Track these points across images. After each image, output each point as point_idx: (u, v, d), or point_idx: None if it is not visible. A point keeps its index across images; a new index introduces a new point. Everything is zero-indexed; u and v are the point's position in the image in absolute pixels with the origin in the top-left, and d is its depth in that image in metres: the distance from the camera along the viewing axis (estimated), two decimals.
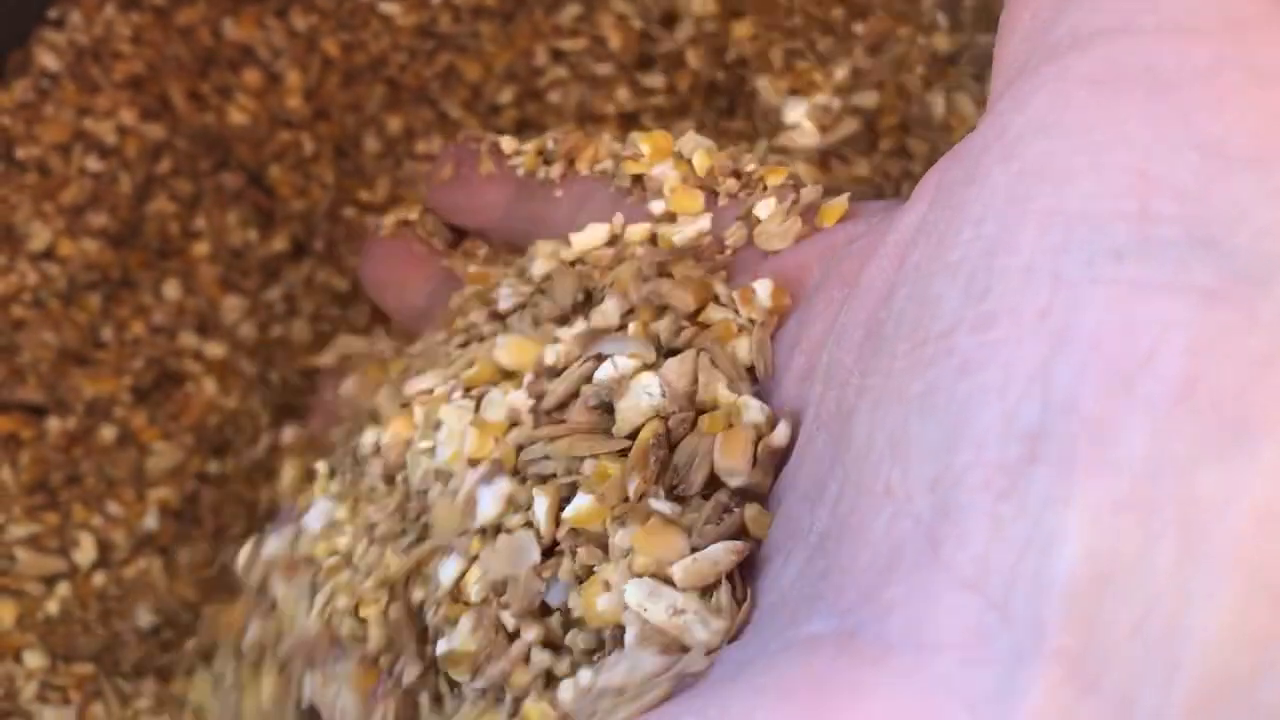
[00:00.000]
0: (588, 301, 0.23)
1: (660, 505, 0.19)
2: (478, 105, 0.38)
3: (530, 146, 0.28)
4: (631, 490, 0.19)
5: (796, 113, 0.38)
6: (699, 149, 0.25)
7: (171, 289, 0.36)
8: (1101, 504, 0.13)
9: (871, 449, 0.16)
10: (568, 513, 0.19)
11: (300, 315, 0.36)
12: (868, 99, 0.38)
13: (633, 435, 0.20)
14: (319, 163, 0.38)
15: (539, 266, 0.25)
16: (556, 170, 0.27)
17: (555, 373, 0.21)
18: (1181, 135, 0.15)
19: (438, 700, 0.20)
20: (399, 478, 0.23)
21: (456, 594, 0.20)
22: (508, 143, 0.29)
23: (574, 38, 0.39)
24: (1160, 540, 0.13)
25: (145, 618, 0.33)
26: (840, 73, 0.38)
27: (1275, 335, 0.14)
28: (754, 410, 0.20)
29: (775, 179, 0.24)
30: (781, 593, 0.17)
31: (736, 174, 0.25)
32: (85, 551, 0.33)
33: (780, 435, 0.19)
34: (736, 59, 0.38)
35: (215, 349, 0.36)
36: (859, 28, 0.39)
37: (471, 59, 0.39)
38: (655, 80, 0.38)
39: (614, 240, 0.25)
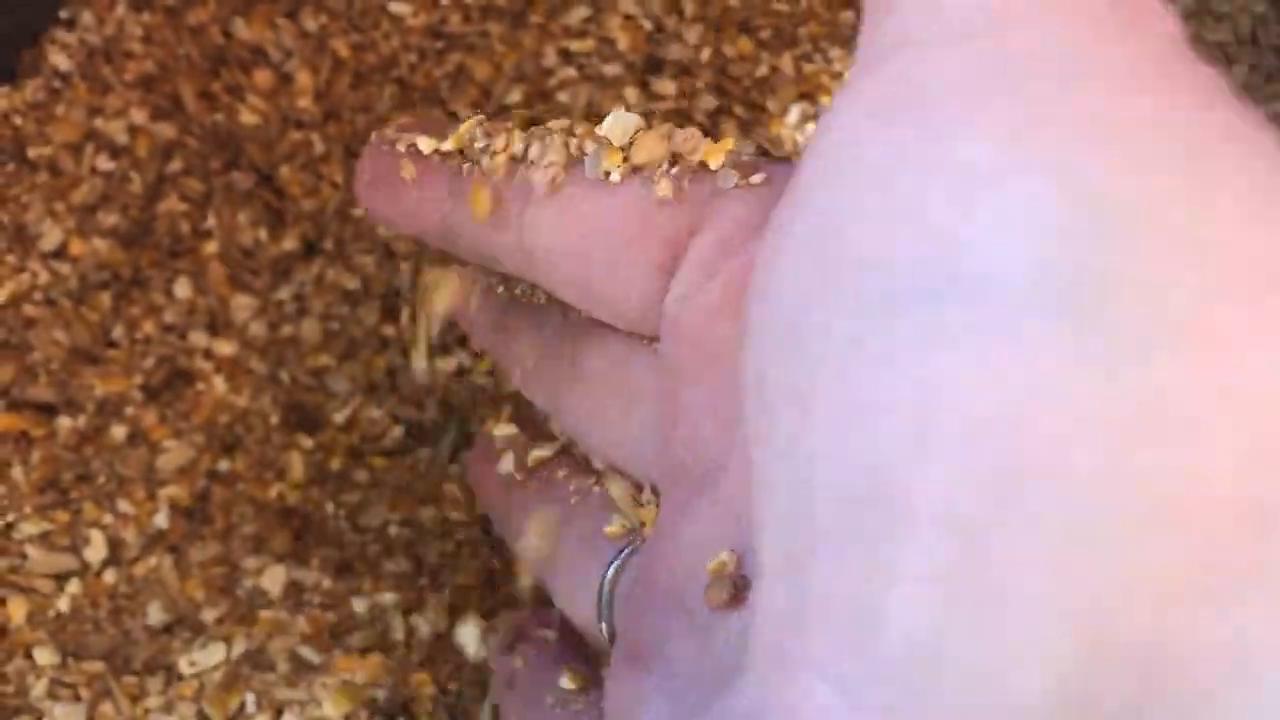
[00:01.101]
0: None
1: None
2: (487, 105, 0.38)
3: (450, 145, 0.24)
4: None
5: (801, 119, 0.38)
6: (630, 129, 0.21)
7: (182, 288, 0.36)
8: (912, 578, 0.13)
9: (756, 508, 0.16)
10: None
11: (310, 314, 0.37)
12: None
13: None
14: (329, 162, 0.38)
15: None
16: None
17: None
18: (936, 161, 0.14)
19: None
20: None
21: None
22: (425, 144, 0.24)
23: (582, 38, 0.39)
24: (970, 608, 0.13)
25: (156, 616, 0.33)
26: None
27: (1034, 347, 0.13)
28: None
29: (716, 158, 0.21)
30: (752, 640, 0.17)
31: (675, 158, 0.21)
32: (96, 549, 0.33)
33: None
34: (745, 72, 0.38)
35: (225, 348, 0.36)
36: None
37: (481, 59, 0.39)
38: (663, 81, 0.38)
39: None
